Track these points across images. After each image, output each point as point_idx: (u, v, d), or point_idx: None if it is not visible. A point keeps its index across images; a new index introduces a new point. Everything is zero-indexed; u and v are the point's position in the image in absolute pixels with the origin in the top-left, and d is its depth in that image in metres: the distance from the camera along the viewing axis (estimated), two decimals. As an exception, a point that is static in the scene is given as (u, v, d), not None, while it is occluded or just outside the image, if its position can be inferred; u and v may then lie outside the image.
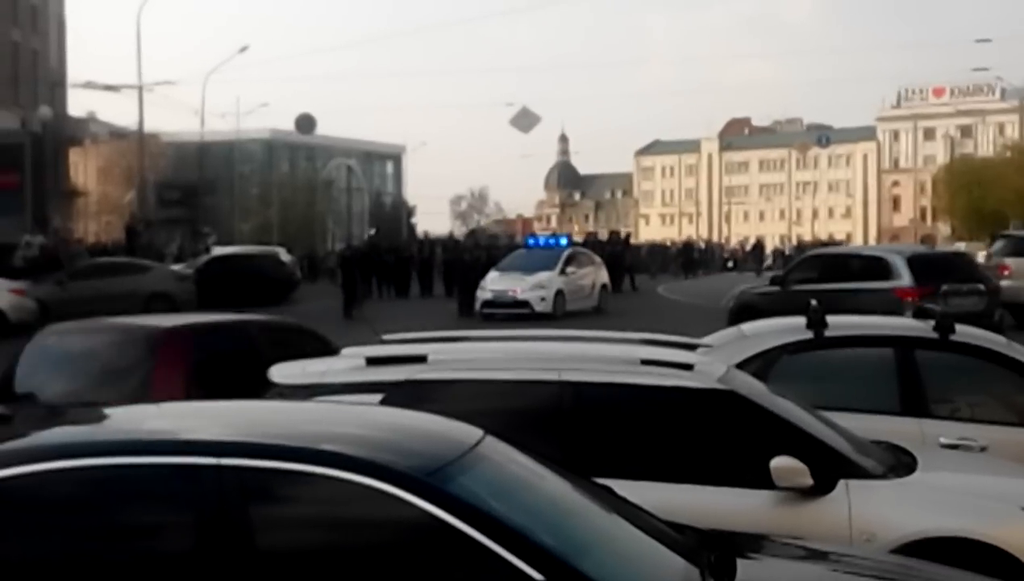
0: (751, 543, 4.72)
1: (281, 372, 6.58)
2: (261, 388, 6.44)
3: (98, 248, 46.73)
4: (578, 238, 61.63)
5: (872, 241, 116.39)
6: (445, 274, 40.17)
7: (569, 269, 31.48)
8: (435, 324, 18.76)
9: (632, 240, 69.49)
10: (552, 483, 4.46)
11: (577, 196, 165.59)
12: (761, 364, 7.65)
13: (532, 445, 4.70)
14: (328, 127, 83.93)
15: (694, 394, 6.03)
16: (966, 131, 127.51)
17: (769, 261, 64.65)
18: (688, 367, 6.16)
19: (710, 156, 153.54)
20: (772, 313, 11.41)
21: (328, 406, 5.48)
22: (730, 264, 68.91)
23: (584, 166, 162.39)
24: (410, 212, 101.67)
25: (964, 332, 8.05)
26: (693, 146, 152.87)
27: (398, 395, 5.85)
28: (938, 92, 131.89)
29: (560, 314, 29.19)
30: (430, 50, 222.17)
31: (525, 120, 55.00)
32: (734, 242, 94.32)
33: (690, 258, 63.43)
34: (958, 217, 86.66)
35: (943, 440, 7.27)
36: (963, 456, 7.05)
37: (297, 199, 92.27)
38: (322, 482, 3.87)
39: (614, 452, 5.93)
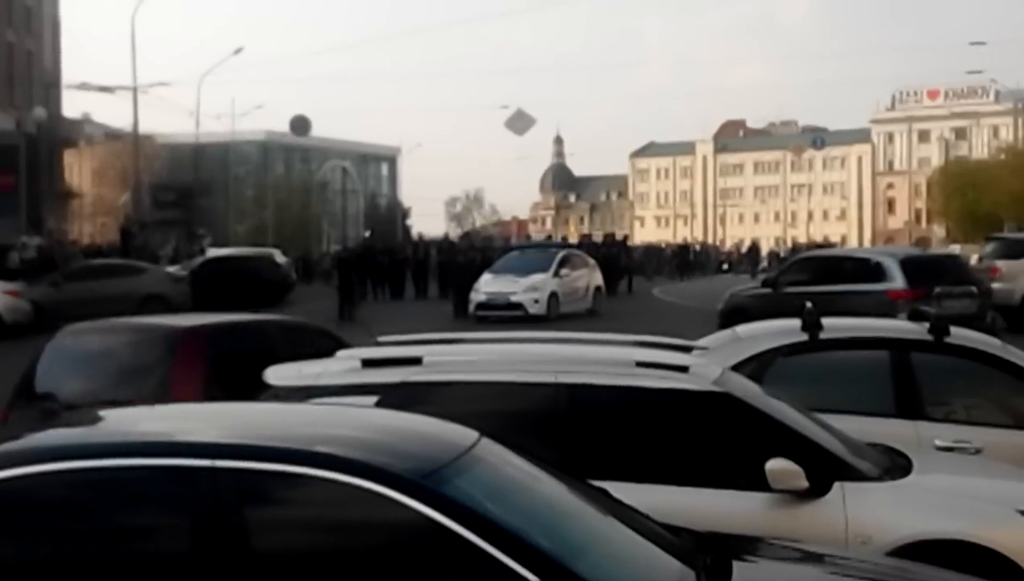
0: (746, 546, 4.72)
1: (277, 374, 6.57)
2: None
3: (93, 250, 46.55)
4: (573, 240, 61.53)
5: (867, 243, 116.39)
6: (440, 276, 40.07)
7: (563, 271, 31.43)
8: (430, 326, 18.74)
9: (627, 242, 69.41)
10: (548, 485, 4.46)
11: (572, 198, 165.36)
12: (756, 366, 7.64)
13: (528, 447, 4.70)
14: (323, 129, 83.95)
15: (689, 396, 6.02)
16: (961, 133, 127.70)
17: (764, 263, 64.62)
18: (683, 369, 6.16)
19: (705, 158, 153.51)
20: (763, 315, 11.27)
21: (323, 408, 5.48)
22: (725, 266, 68.88)
23: (579, 168, 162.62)
24: (405, 214, 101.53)
25: (959, 334, 8.05)
26: (688, 148, 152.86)
27: (394, 397, 5.85)
28: (933, 94, 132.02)
29: (554, 316, 29.17)
30: (425, 52, 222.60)
31: (520, 122, 55.05)
32: (729, 244, 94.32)
33: (685, 260, 63.50)
34: (953, 219, 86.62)
35: (938, 442, 7.27)
36: (958, 458, 7.05)
37: (292, 201, 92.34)
38: (317, 484, 3.87)
39: (610, 454, 5.93)
